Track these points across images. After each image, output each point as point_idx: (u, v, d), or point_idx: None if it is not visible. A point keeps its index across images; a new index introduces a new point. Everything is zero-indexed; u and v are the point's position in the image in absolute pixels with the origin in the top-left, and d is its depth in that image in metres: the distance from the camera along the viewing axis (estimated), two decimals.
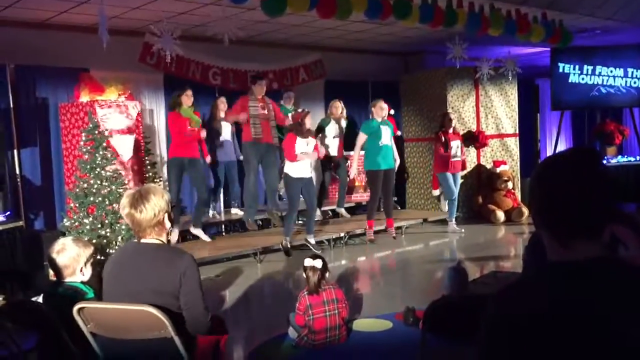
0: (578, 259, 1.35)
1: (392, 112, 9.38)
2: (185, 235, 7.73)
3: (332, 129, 8.70)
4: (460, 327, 2.69)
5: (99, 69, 7.55)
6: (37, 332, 2.98)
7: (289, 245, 7.23)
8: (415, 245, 8.34)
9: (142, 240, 2.71)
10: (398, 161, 8.30)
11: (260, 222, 8.47)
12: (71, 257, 2.98)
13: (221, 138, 8.18)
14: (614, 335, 1.25)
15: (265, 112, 7.68)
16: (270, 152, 7.73)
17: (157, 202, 2.65)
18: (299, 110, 7.71)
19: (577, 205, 1.35)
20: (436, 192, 9.69)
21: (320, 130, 8.58)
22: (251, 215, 7.79)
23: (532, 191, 1.44)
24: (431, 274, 6.90)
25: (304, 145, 7.08)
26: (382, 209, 8.51)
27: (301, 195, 7.24)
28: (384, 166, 7.85)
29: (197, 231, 7.57)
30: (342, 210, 9.08)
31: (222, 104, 8.27)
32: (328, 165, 8.72)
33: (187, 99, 7.23)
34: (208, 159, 7.97)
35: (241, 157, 8.21)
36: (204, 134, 7.43)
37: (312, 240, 7.40)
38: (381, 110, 7.97)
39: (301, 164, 7.07)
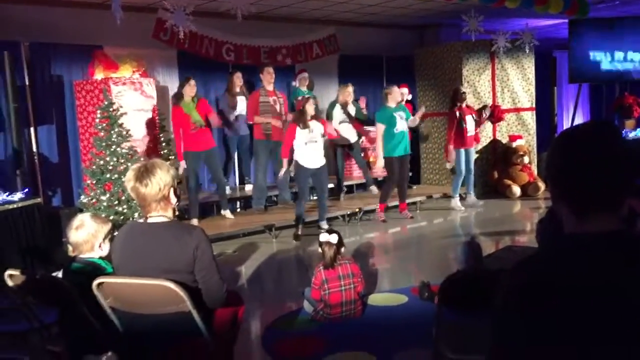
0: (596, 232, 1.34)
1: (409, 97, 9.30)
2: (202, 212, 7.78)
3: (337, 115, 8.61)
4: (476, 301, 2.69)
5: (112, 46, 7.55)
6: (58, 306, 3.03)
7: (299, 233, 7.20)
8: (430, 221, 8.34)
9: (149, 219, 2.69)
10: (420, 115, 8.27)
11: (267, 205, 8.46)
12: (90, 233, 3.01)
13: (236, 112, 8.19)
14: (630, 308, 1.25)
15: (277, 107, 7.73)
16: (279, 147, 7.79)
17: (163, 177, 2.63)
18: (301, 97, 7.61)
19: (596, 177, 1.33)
20: (449, 165, 9.61)
21: (328, 117, 8.57)
22: (258, 205, 8.03)
23: (550, 163, 1.42)
24: (446, 249, 6.90)
25: (306, 134, 6.88)
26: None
27: (312, 183, 7.21)
28: (399, 153, 7.78)
29: (226, 212, 7.81)
30: (372, 188, 8.95)
31: (238, 78, 8.26)
32: (340, 150, 8.73)
33: (190, 89, 7.17)
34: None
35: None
36: (215, 121, 7.44)
37: (325, 226, 7.31)
38: (398, 95, 7.87)
39: (311, 153, 6.92)
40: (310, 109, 6.90)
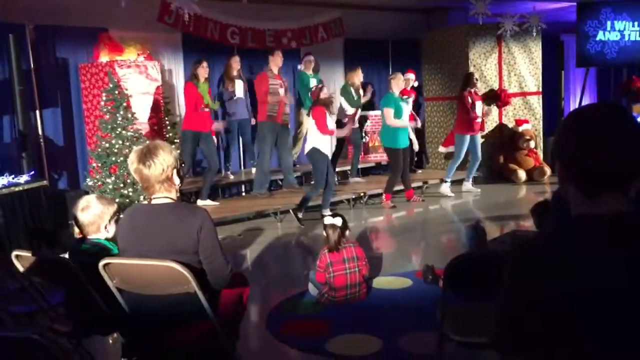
0: (605, 212, 1.33)
1: (416, 83, 9.28)
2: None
3: (351, 99, 8.66)
4: (480, 284, 2.69)
5: (117, 29, 7.53)
6: (65, 287, 3.06)
7: (301, 215, 7.17)
8: (435, 205, 8.33)
9: (153, 200, 2.69)
10: (416, 145, 8.35)
11: (270, 190, 8.43)
12: (95, 215, 3.02)
13: (235, 97, 8.18)
14: (636, 289, 1.25)
15: (282, 90, 7.73)
16: (284, 132, 7.87)
17: (166, 158, 2.63)
18: (319, 83, 7.55)
19: (606, 157, 1.32)
20: (442, 150, 9.57)
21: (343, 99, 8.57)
22: (261, 189, 7.96)
23: (559, 143, 1.41)
24: (450, 233, 6.91)
25: (330, 120, 6.93)
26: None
27: None
28: (403, 144, 7.75)
29: (205, 202, 7.51)
30: (356, 179, 9.08)
31: (235, 62, 8.24)
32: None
33: (203, 70, 7.25)
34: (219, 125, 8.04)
35: (253, 120, 8.32)
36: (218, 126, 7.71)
37: (327, 213, 7.25)
38: (402, 83, 7.81)
39: (327, 140, 6.90)
40: (325, 97, 6.89)
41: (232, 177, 8.53)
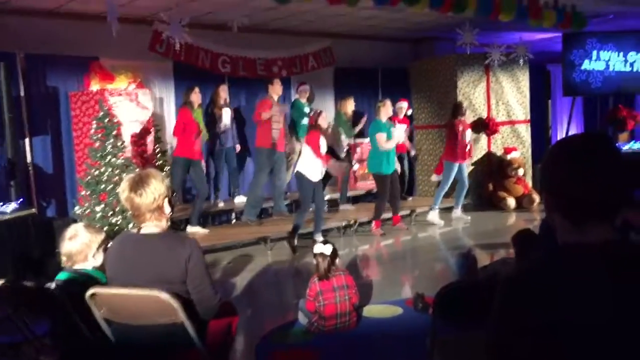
0: (591, 241, 1.34)
1: (410, 112, 9.35)
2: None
3: (346, 129, 8.77)
4: (470, 313, 2.69)
5: (108, 58, 7.57)
6: (50, 317, 3.01)
7: (295, 243, 7.18)
8: (425, 232, 8.33)
9: (142, 229, 2.67)
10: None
11: (260, 217, 8.41)
12: (83, 243, 3.00)
13: (221, 125, 8.19)
14: (627, 317, 1.25)
15: (282, 118, 7.82)
16: (281, 159, 7.95)
17: (157, 187, 2.62)
18: (311, 112, 7.62)
19: (591, 187, 1.34)
20: (435, 178, 9.62)
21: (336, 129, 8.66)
22: (251, 215, 7.96)
23: (545, 172, 1.42)
24: (440, 261, 6.90)
25: (324, 145, 6.97)
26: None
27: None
28: (390, 170, 7.78)
29: (195, 228, 7.50)
30: (346, 206, 9.12)
31: (223, 91, 8.27)
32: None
33: (196, 96, 7.33)
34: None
35: (238, 147, 8.41)
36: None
37: (320, 239, 7.24)
38: (390, 110, 7.88)
39: (316, 166, 6.92)
40: (323, 123, 6.94)
41: (221, 204, 8.51)
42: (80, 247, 2.99)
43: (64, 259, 3.07)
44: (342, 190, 9.12)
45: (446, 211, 9.15)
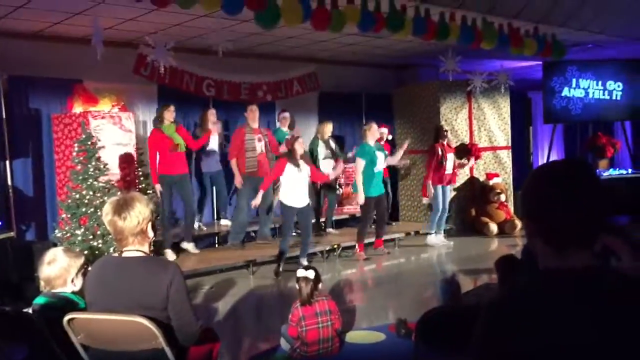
0: (572, 267, 1.35)
1: (390, 137, 9.41)
2: (174, 248, 7.67)
3: (321, 151, 8.74)
4: (453, 338, 2.68)
5: (92, 80, 7.54)
6: (27, 343, 2.95)
7: (280, 269, 7.13)
8: (408, 258, 8.33)
9: (124, 253, 2.64)
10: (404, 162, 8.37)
11: (245, 240, 8.37)
12: (62, 268, 2.95)
13: (208, 148, 8.18)
14: (608, 342, 1.25)
15: (262, 143, 7.79)
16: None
17: (142, 210, 2.60)
18: (289, 136, 7.68)
19: (571, 213, 1.35)
20: (426, 200, 9.68)
21: (311, 153, 8.66)
22: (235, 240, 7.96)
23: (526, 197, 1.43)
24: (424, 286, 6.89)
25: (295, 173, 6.90)
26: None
27: (297, 219, 7.17)
28: (376, 193, 7.78)
29: (189, 245, 7.60)
30: (331, 230, 9.13)
31: (212, 115, 8.26)
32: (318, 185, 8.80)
33: (169, 114, 7.28)
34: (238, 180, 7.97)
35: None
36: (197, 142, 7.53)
37: (305, 263, 7.21)
38: (377, 133, 7.92)
39: (297, 192, 6.91)
40: (299, 148, 6.95)
41: (204, 229, 8.45)
42: (59, 271, 2.95)
43: (42, 283, 3.02)
44: (327, 215, 9.11)
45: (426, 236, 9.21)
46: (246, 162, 7.77)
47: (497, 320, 1.35)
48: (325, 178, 7.49)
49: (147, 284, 2.55)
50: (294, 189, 6.90)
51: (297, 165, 6.89)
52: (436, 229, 8.90)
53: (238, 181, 7.88)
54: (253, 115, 7.91)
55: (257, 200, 7.00)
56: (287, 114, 8.97)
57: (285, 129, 8.87)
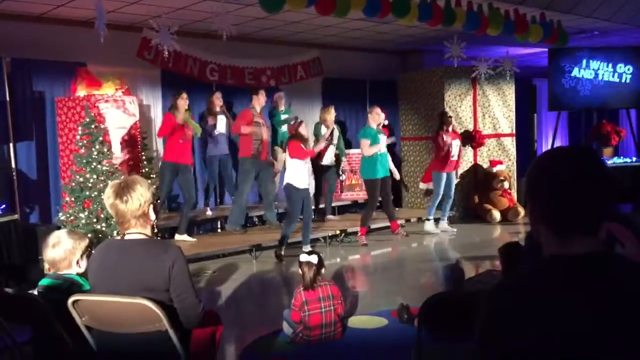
0: (576, 253, 1.35)
1: (386, 122, 9.39)
2: (173, 233, 7.70)
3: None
4: (455, 324, 2.69)
5: (96, 64, 7.53)
6: (32, 325, 2.97)
7: (282, 253, 7.16)
8: (411, 244, 8.35)
9: (127, 236, 2.65)
10: (396, 174, 8.36)
11: (245, 226, 8.36)
12: (67, 250, 2.96)
13: (216, 132, 8.18)
14: (610, 329, 1.25)
15: (265, 128, 7.80)
16: (266, 169, 7.91)
17: (143, 193, 2.60)
18: (292, 122, 7.64)
19: (575, 199, 1.34)
20: (423, 186, 9.67)
21: (315, 136, 8.68)
22: (235, 225, 7.93)
23: (530, 184, 1.43)
24: (426, 272, 6.91)
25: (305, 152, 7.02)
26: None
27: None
28: (382, 174, 7.79)
29: (183, 237, 7.50)
30: (331, 216, 9.13)
31: (218, 99, 8.27)
32: (318, 170, 8.79)
33: (183, 102, 7.30)
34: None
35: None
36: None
37: (308, 249, 7.19)
38: (378, 116, 7.90)
39: (302, 175, 6.94)
40: (304, 132, 6.96)
41: (210, 213, 8.46)
42: (63, 254, 2.96)
43: (47, 265, 3.04)
44: (327, 201, 9.12)
45: (435, 223, 9.20)
46: (253, 144, 7.70)
47: (499, 306, 1.35)
48: (310, 153, 7.29)
49: (149, 266, 2.56)
50: (302, 171, 6.92)
51: (307, 147, 6.99)
52: (441, 215, 8.91)
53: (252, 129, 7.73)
54: (261, 100, 7.85)
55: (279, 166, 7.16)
56: (281, 93, 8.97)
57: (281, 109, 8.84)
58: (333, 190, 9.18)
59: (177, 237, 7.46)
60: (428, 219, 8.85)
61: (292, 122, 7.43)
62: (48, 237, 3.05)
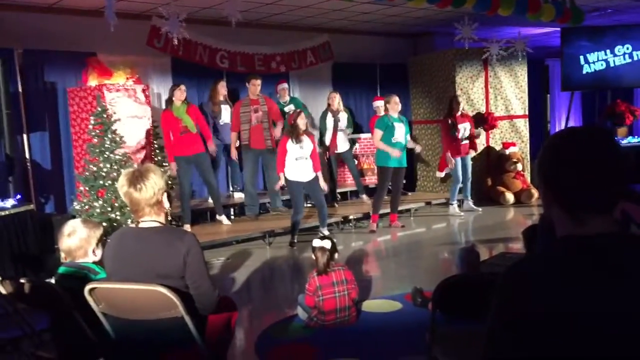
0: (590, 234, 1.34)
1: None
2: (195, 219, 7.75)
3: (330, 124, 8.70)
4: (469, 307, 2.69)
5: (106, 53, 7.55)
6: (50, 312, 3.01)
7: (294, 240, 7.19)
8: (424, 228, 8.34)
9: (141, 224, 2.66)
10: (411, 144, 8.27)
11: (260, 212, 8.40)
12: (82, 239, 2.99)
13: (220, 121, 8.18)
14: (624, 309, 1.25)
15: (259, 114, 7.72)
16: (268, 155, 7.85)
17: (157, 181, 2.61)
18: (291, 111, 7.63)
19: (589, 177, 1.33)
20: (440, 174, 9.64)
21: (321, 128, 8.68)
22: (252, 212, 8.08)
23: (543, 164, 1.41)
24: (440, 256, 6.91)
25: (297, 149, 6.84)
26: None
27: (306, 191, 7.21)
28: (395, 164, 7.72)
29: (222, 217, 7.81)
30: (364, 197, 9.11)
31: (222, 87, 8.24)
32: (333, 157, 8.83)
33: (180, 93, 7.21)
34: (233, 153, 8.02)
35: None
36: (211, 148, 7.52)
37: (325, 232, 7.18)
38: (397, 105, 7.83)
39: (300, 169, 6.87)
40: (301, 123, 6.87)
41: (223, 200, 8.48)
42: (79, 242, 2.99)
43: (63, 255, 3.07)
44: (356, 183, 9.13)
45: (444, 206, 9.20)
46: (242, 134, 7.77)
47: (514, 287, 1.35)
48: (278, 163, 7.06)
49: (164, 253, 2.58)
50: (297, 164, 6.86)
51: (300, 141, 6.83)
52: (464, 196, 8.95)
53: (233, 154, 7.98)
54: (254, 89, 7.81)
55: (278, 184, 7.22)
56: (285, 85, 8.94)
57: (284, 99, 8.83)
58: (356, 170, 9.15)
59: (219, 217, 7.79)
60: (451, 204, 8.88)
61: (290, 113, 7.41)
62: (63, 227, 3.08)
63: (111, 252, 2.70)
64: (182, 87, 7.28)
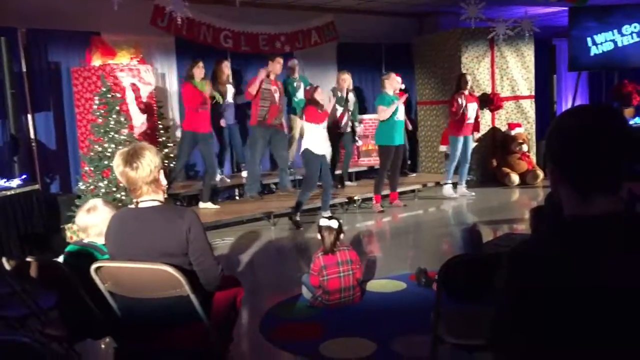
0: (597, 213, 1.33)
1: (402, 86, 9.29)
2: (191, 201, 7.78)
3: (339, 102, 8.66)
4: (474, 287, 2.70)
5: (110, 33, 7.51)
6: (57, 291, 3.04)
7: (298, 219, 7.20)
8: (428, 208, 8.34)
9: (140, 203, 2.66)
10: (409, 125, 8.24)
11: (262, 193, 8.40)
12: (101, 219, 3.00)
13: (225, 102, 8.15)
14: (629, 288, 1.25)
15: (277, 95, 7.69)
16: (278, 134, 7.81)
17: (152, 159, 2.60)
18: (307, 87, 7.59)
19: (597, 156, 1.32)
20: (443, 148, 9.59)
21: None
22: (252, 191, 7.96)
23: (551, 143, 1.40)
24: (444, 236, 6.91)
25: (321, 117, 6.96)
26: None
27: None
28: (397, 142, 7.72)
29: (207, 204, 7.62)
30: (348, 183, 9.13)
31: (226, 67, 8.20)
32: (335, 137, 8.75)
33: (199, 70, 7.24)
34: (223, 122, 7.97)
35: (223, 122, 8.28)
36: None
37: (327, 215, 7.22)
38: (397, 83, 7.79)
39: (320, 140, 6.90)
40: (319, 97, 6.90)
41: (228, 180, 8.50)
42: (97, 221, 3.02)
43: (75, 228, 3.10)
44: (344, 167, 9.11)
45: (452, 187, 9.18)
46: (260, 110, 7.63)
47: (520, 266, 1.35)
48: (325, 114, 7.10)
49: (166, 232, 2.58)
50: (321, 137, 6.89)
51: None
52: (458, 180, 8.86)
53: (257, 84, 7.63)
54: (277, 68, 7.69)
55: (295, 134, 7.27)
56: (295, 61, 8.84)
57: (295, 75, 8.74)
58: (350, 156, 9.15)
59: (201, 205, 7.55)
60: (446, 183, 8.81)
61: (307, 88, 7.39)
62: (83, 203, 3.09)
63: (112, 235, 2.69)
64: (200, 63, 7.30)
